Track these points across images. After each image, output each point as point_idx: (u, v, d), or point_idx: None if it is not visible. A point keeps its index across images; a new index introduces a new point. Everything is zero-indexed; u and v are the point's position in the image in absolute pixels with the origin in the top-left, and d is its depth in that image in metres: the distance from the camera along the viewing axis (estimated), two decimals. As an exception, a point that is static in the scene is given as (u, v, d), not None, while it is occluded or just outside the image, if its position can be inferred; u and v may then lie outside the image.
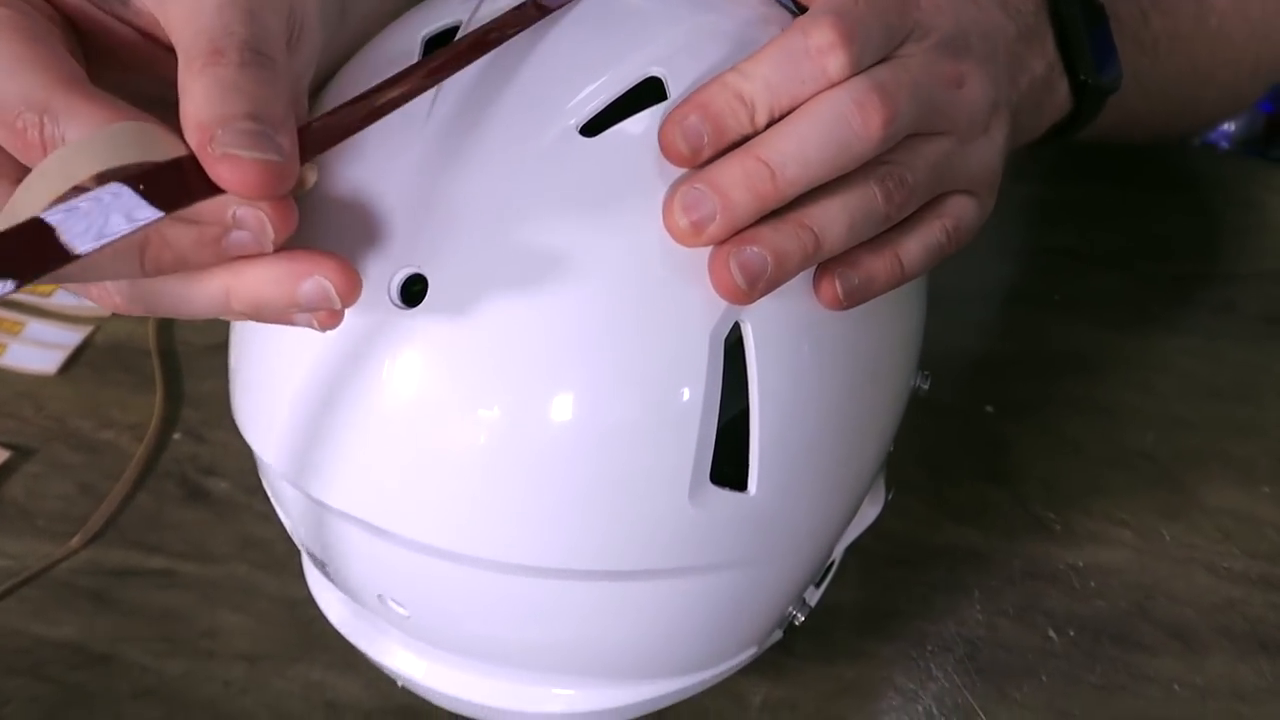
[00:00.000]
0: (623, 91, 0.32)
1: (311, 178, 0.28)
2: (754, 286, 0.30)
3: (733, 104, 0.31)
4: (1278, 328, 0.59)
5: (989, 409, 0.55)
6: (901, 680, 0.46)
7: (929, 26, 0.34)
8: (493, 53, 0.32)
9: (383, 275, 0.30)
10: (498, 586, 0.33)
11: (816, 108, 0.31)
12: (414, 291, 0.30)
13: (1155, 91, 0.52)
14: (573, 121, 0.31)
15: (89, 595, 0.49)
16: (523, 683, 0.39)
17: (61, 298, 0.62)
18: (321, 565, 0.37)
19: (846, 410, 0.35)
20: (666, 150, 0.31)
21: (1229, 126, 0.88)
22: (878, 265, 0.33)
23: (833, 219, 0.31)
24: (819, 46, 0.31)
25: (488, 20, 0.33)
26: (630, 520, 0.32)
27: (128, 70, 0.30)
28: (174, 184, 0.25)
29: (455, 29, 0.34)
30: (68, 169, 0.25)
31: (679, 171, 0.31)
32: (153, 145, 0.26)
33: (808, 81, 0.31)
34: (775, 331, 0.32)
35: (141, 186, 0.25)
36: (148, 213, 0.25)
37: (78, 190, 0.25)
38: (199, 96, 0.26)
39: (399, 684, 0.42)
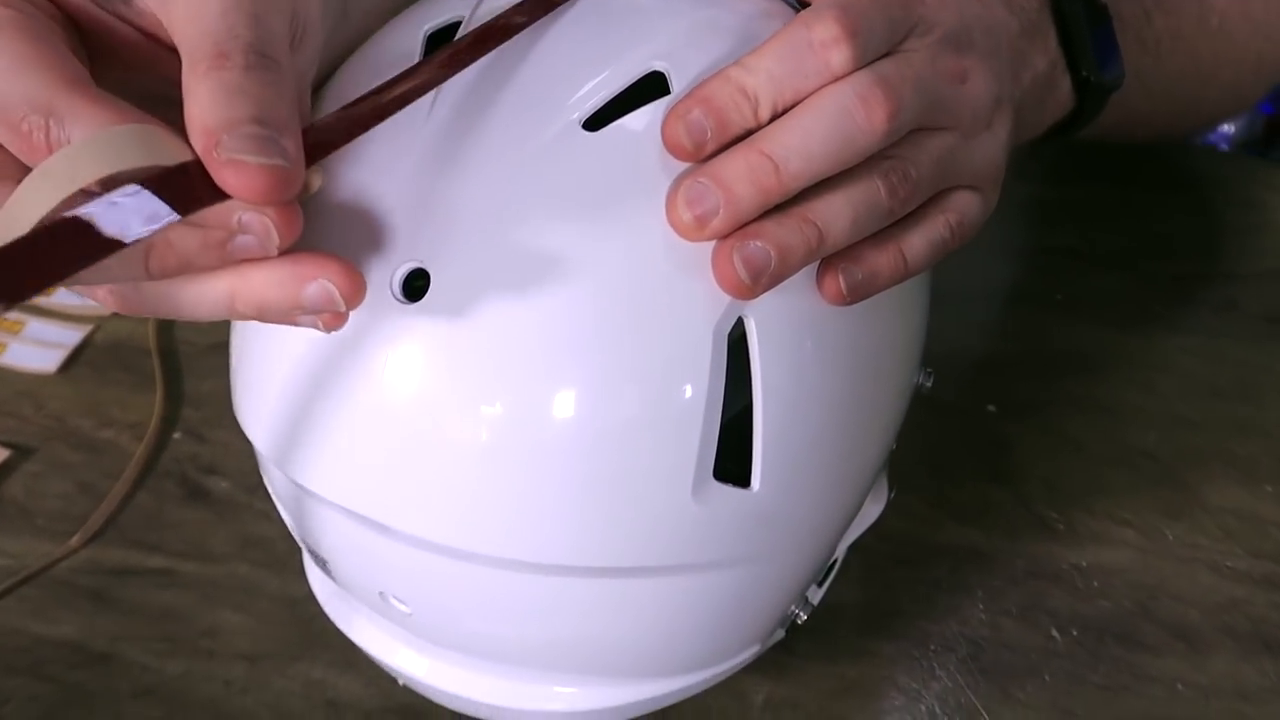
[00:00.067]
0: (625, 86, 0.32)
1: (317, 182, 0.28)
2: (757, 281, 0.30)
3: (736, 98, 0.31)
4: (1279, 327, 0.59)
5: (991, 408, 0.55)
6: (904, 680, 0.46)
7: (932, 21, 0.34)
8: (493, 50, 0.32)
9: (385, 270, 0.30)
10: (500, 583, 0.33)
11: (820, 101, 0.31)
12: (416, 286, 0.30)
13: (1157, 90, 0.52)
14: (575, 116, 0.31)
15: (89, 594, 0.49)
16: (524, 681, 0.38)
17: (62, 296, 0.62)
18: (323, 563, 0.37)
19: (850, 406, 0.35)
20: (669, 144, 0.31)
21: (1228, 128, 0.89)
22: (881, 260, 0.33)
23: (836, 213, 0.31)
24: (822, 40, 0.31)
25: (488, 17, 0.33)
26: (633, 517, 0.32)
27: (130, 70, 0.30)
28: (180, 188, 0.25)
29: (457, 24, 0.34)
30: (73, 169, 0.25)
31: (682, 166, 0.31)
32: (157, 148, 0.26)
33: (811, 75, 0.31)
34: (779, 327, 0.32)
35: (152, 189, 0.25)
36: (165, 215, 0.25)
37: (85, 193, 0.25)
38: (204, 100, 0.26)
39: (400, 683, 0.42)
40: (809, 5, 0.33)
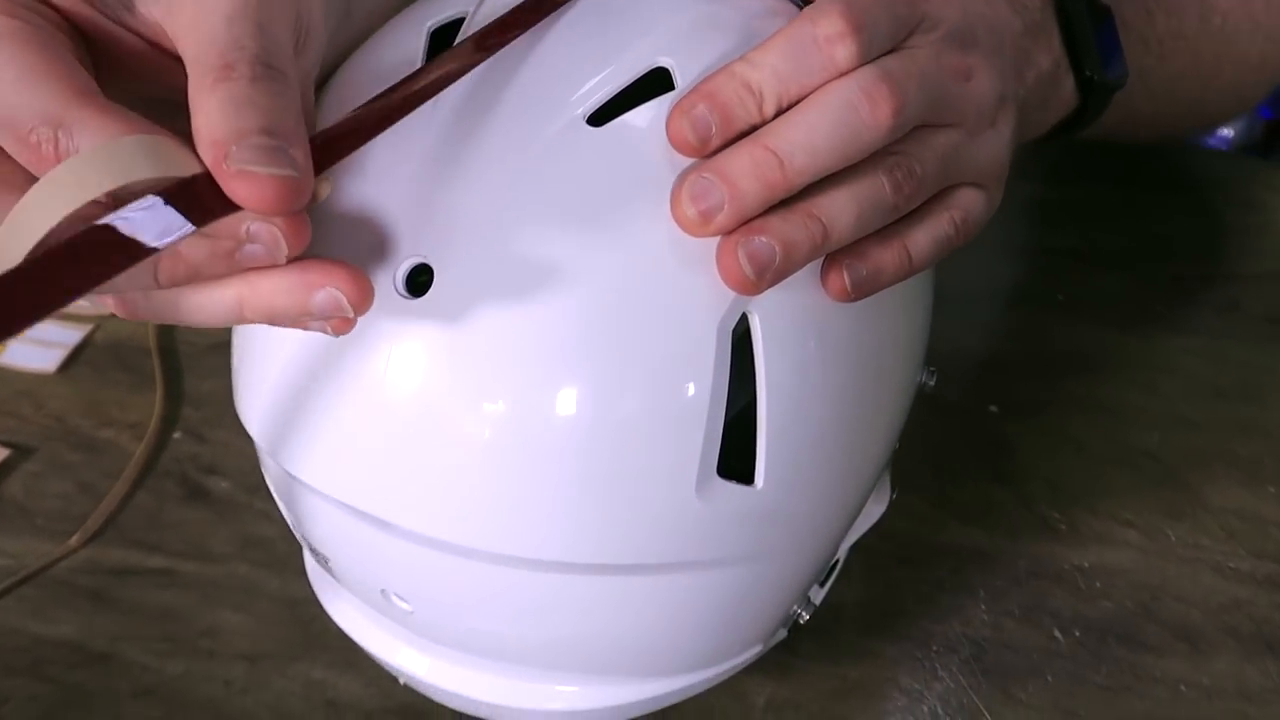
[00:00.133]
0: (630, 81, 0.32)
1: (325, 190, 0.28)
2: (762, 277, 0.30)
3: (741, 93, 0.30)
4: (1282, 328, 0.60)
5: (993, 409, 0.55)
6: (906, 680, 0.46)
7: (937, 19, 0.34)
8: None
9: (389, 265, 0.30)
10: (502, 580, 0.33)
11: (825, 97, 0.31)
12: (420, 282, 0.30)
13: (1160, 90, 0.52)
14: (579, 112, 0.31)
15: (88, 594, 0.49)
16: (525, 680, 0.38)
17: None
18: (324, 561, 0.37)
19: (854, 403, 0.35)
20: (674, 140, 0.31)
21: (1228, 132, 0.89)
22: (886, 256, 0.33)
23: (841, 209, 0.31)
24: (827, 35, 0.30)
25: (492, 12, 0.33)
26: (637, 513, 0.32)
27: (136, 78, 0.30)
28: (192, 200, 0.25)
29: (460, 21, 0.34)
30: (81, 179, 0.25)
31: (687, 161, 0.31)
32: (165, 159, 0.26)
33: (816, 71, 0.31)
34: (783, 323, 0.32)
35: (168, 200, 0.25)
36: (181, 226, 0.25)
37: (96, 204, 0.25)
38: (211, 113, 0.26)
39: (401, 682, 0.42)
40: (813, 1, 0.33)
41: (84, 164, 0.25)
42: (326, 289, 0.27)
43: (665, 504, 0.32)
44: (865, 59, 0.31)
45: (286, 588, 0.48)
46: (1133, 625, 0.47)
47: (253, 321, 0.29)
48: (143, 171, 0.25)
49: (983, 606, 0.48)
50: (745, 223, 0.30)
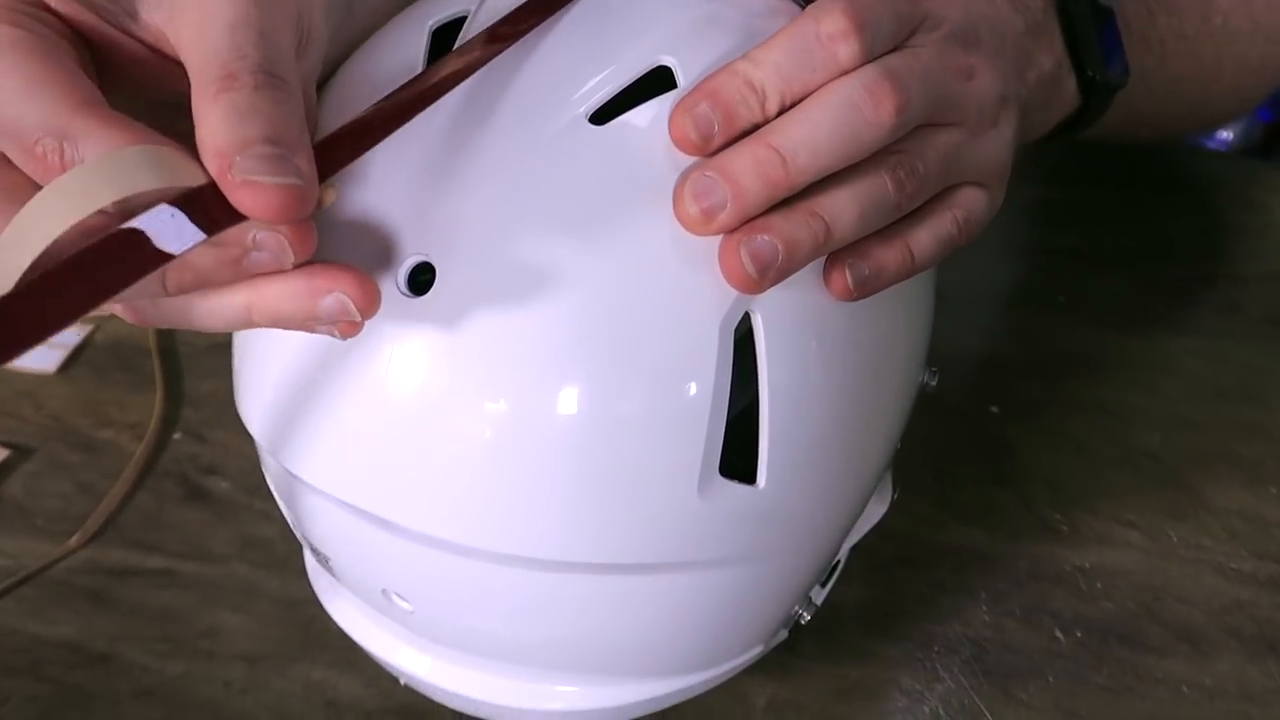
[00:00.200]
0: (632, 80, 0.32)
1: (330, 197, 0.28)
2: (764, 275, 0.30)
3: (743, 91, 0.30)
4: (1283, 329, 0.59)
5: (994, 409, 0.55)
6: (907, 681, 0.46)
7: (939, 18, 0.34)
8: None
9: (391, 264, 0.30)
10: (504, 580, 0.33)
11: (827, 95, 0.31)
12: (422, 281, 0.30)
13: (1161, 90, 0.52)
14: (581, 110, 0.31)
15: (88, 595, 0.49)
16: (526, 680, 0.38)
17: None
18: (325, 561, 0.37)
19: (856, 402, 0.35)
20: (677, 138, 0.31)
21: (1227, 135, 0.89)
22: (888, 256, 0.33)
23: (843, 208, 0.31)
24: (830, 33, 0.30)
25: (494, 10, 0.33)
26: (639, 512, 0.32)
27: (139, 83, 0.30)
28: (200, 209, 0.25)
29: (463, 19, 0.34)
30: (85, 189, 0.25)
31: (689, 160, 0.31)
32: (170, 169, 0.26)
33: (819, 69, 0.31)
34: (785, 322, 0.32)
35: (180, 209, 0.25)
36: (193, 234, 0.25)
37: (103, 214, 0.25)
38: (215, 123, 0.26)
39: (402, 682, 0.42)
40: (812, 2, 0.33)
41: (88, 174, 0.25)
42: (333, 294, 0.28)
43: (667, 503, 0.32)
44: (868, 57, 0.31)
45: (286, 588, 0.48)
46: (1134, 626, 0.47)
47: (260, 326, 0.29)
48: (147, 182, 0.25)
49: (984, 607, 0.48)
50: (748, 221, 0.30)
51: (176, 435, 0.56)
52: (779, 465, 0.33)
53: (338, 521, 0.34)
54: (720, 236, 0.30)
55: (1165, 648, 0.46)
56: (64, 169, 0.26)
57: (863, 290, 0.32)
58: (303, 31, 0.30)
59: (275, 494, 0.39)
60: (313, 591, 0.43)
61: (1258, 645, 0.46)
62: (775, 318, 0.32)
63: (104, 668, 0.46)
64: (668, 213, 0.30)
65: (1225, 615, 0.47)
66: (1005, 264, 0.64)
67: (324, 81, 0.34)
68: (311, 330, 0.29)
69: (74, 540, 0.51)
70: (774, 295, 0.31)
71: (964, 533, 0.50)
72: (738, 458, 0.32)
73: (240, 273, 0.27)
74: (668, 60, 0.32)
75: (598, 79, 0.31)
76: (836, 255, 0.32)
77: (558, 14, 0.33)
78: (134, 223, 0.24)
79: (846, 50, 0.30)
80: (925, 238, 0.34)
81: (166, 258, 0.24)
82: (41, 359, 0.59)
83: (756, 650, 0.41)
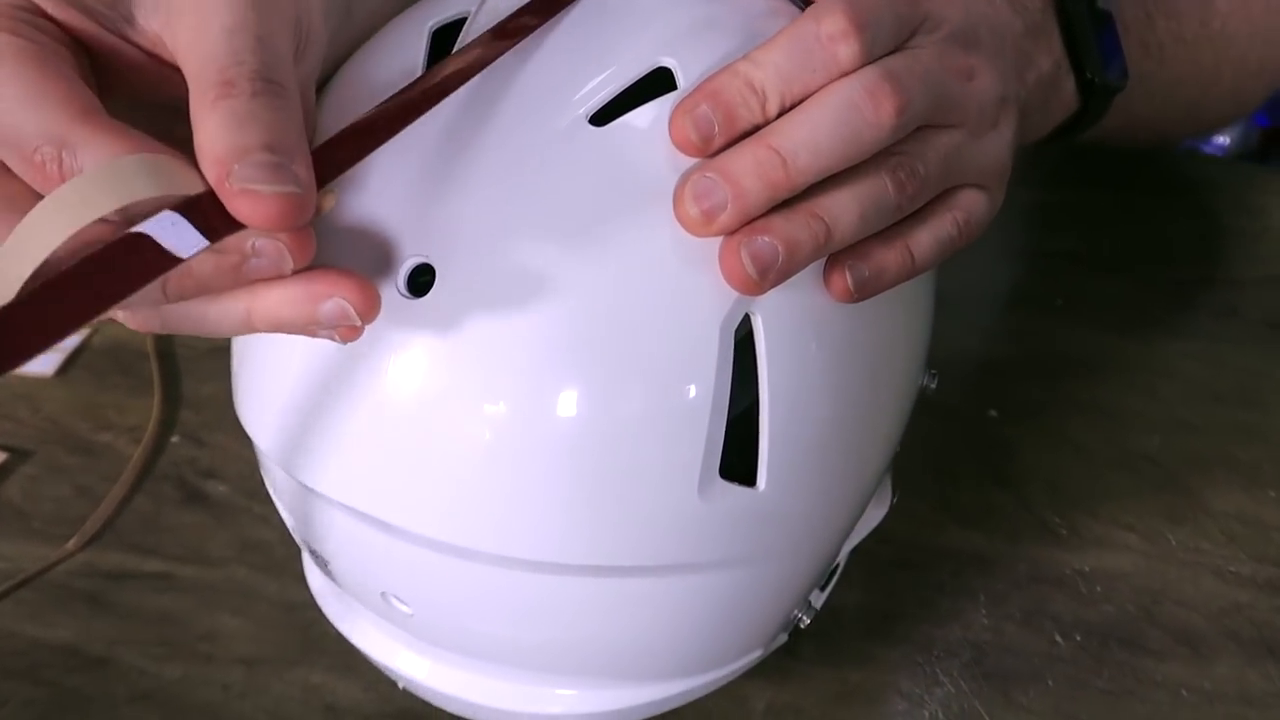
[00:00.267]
0: (632, 81, 0.32)
1: (329, 203, 0.28)
2: (765, 276, 0.30)
3: (744, 92, 0.30)
4: (1280, 333, 0.60)
5: (992, 413, 0.55)
6: (907, 685, 0.46)
7: (939, 19, 0.34)
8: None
9: (391, 266, 0.30)
10: (503, 582, 0.33)
11: (828, 96, 0.31)
12: (421, 282, 0.30)
13: (1159, 93, 0.52)
14: (582, 112, 0.31)
15: (85, 598, 0.49)
16: (525, 683, 0.38)
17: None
18: (324, 564, 0.37)
19: (856, 404, 0.35)
20: (677, 139, 0.31)
21: (1224, 140, 0.89)
22: (889, 257, 0.33)
23: (844, 209, 0.31)
24: (830, 34, 0.30)
25: (494, 12, 0.33)
26: (639, 515, 0.32)
27: (137, 88, 0.30)
28: (199, 217, 0.25)
29: (463, 20, 0.34)
30: (85, 198, 0.25)
31: (690, 161, 0.31)
32: (169, 177, 0.26)
33: (819, 70, 0.31)
34: (786, 323, 0.32)
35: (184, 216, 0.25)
36: (197, 241, 0.25)
37: (105, 222, 0.25)
38: (213, 130, 0.26)
39: (400, 686, 0.41)
40: (814, 1, 0.33)
41: (87, 183, 0.25)
42: (333, 299, 0.28)
43: (667, 505, 0.32)
44: (868, 58, 0.31)
45: (285, 592, 0.48)
46: (1134, 629, 0.47)
47: (260, 331, 0.29)
48: (146, 190, 0.25)
49: (983, 611, 0.48)
50: (748, 222, 0.30)
51: (175, 438, 0.55)
52: (779, 467, 0.33)
53: (337, 524, 0.34)
54: (721, 238, 0.30)
55: (1165, 651, 0.46)
56: (63, 178, 0.26)
57: (863, 292, 0.32)
58: (301, 34, 0.30)
59: (274, 497, 0.39)
60: (311, 595, 0.43)
61: (1257, 648, 0.46)
62: (776, 319, 0.32)
63: (102, 671, 0.46)
64: (668, 214, 0.30)
65: (1224, 618, 0.47)
66: (1004, 267, 0.64)
67: (323, 83, 0.34)
68: (312, 335, 0.29)
69: (72, 543, 0.51)
70: (774, 297, 0.31)
71: (963, 536, 0.50)
72: (737, 459, 0.32)
73: (240, 279, 0.27)
74: (668, 61, 0.32)
75: (598, 80, 0.31)
76: (837, 257, 0.32)
77: (557, 16, 0.33)
78: (140, 228, 0.24)
79: (847, 51, 0.31)
80: (926, 239, 0.34)
81: (173, 262, 0.24)
82: (39, 362, 0.59)
83: (756, 654, 0.41)
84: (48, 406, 0.57)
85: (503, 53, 0.32)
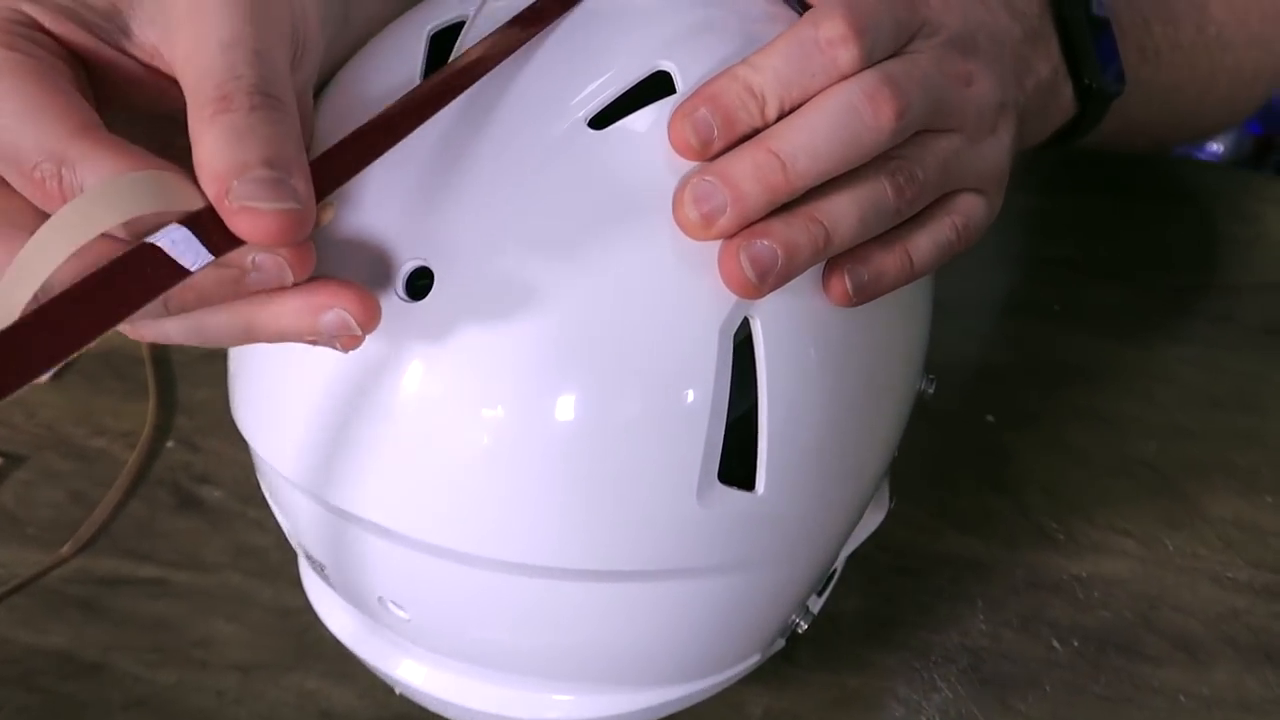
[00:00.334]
0: (631, 85, 0.32)
1: (327, 216, 0.28)
2: (764, 280, 0.30)
3: (743, 96, 0.30)
4: (1278, 338, 0.59)
5: (990, 418, 0.55)
6: (904, 691, 0.45)
7: (938, 24, 0.34)
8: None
9: (390, 269, 0.30)
10: (501, 587, 0.33)
11: (827, 100, 0.31)
12: (420, 285, 0.30)
13: (1156, 100, 0.53)
14: (581, 115, 0.31)
15: (79, 604, 0.49)
16: (522, 689, 0.38)
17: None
18: (320, 568, 0.37)
19: (854, 408, 0.35)
20: (676, 143, 0.31)
21: (1217, 147, 0.89)
22: (887, 261, 0.33)
23: (843, 212, 0.31)
24: (829, 38, 0.30)
25: (493, 16, 0.33)
26: (638, 519, 0.32)
27: (135, 100, 0.30)
28: (200, 232, 0.25)
29: (461, 24, 0.34)
30: (86, 217, 0.25)
31: (689, 165, 0.31)
32: (170, 194, 0.26)
33: (818, 74, 0.31)
34: (784, 327, 0.32)
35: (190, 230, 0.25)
36: (203, 255, 0.25)
37: (108, 238, 0.25)
38: (211, 146, 0.26)
39: (397, 692, 0.41)
40: (812, 6, 0.33)
41: (88, 202, 0.25)
42: (334, 310, 0.28)
43: (666, 509, 0.31)
44: (867, 63, 0.31)
45: (280, 597, 0.48)
46: (1131, 635, 0.47)
47: (261, 342, 0.29)
48: (147, 207, 0.25)
49: (981, 616, 0.48)
50: (747, 226, 0.30)
51: (169, 444, 0.55)
52: (778, 471, 0.33)
53: (334, 528, 0.34)
54: (720, 241, 0.30)
55: (1162, 657, 0.46)
56: (63, 194, 0.26)
57: (862, 295, 0.32)
58: (298, 42, 0.30)
59: (270, 501, 0.39)
60: (307, 600, 0.43)
61: (1254, 654, 0.46)
62: (774, 323, 0.31)
63: (96, 678, 0.46)
64: (667, 217, 0.30)
65: (1222, 624, 0.47)
66: (1001, 273, 0.64)
67: (321, 87, 0.34)
68: (312, 344, 0.29)
69: (66, 549, 0.50)
70: (773, 300, 0.31)
71: (961, 541, 0.50)
72: (736, 464, 0.32)
73: (240, 292, 0.27)
74: (667, 65, 0.32)
75: (596, 84, 0.31)
76: (836, 260, 0.32)
77: (556, 20, 0.33)
78: (150, 240, 0.25)
79: (846, 55, 0.31)
80: (924, 243, 0.34)
81: (183, 274, 0.25)
82: (34, 367, 0.59)
83: (753, 659, 0.41)
84: (42, 412, 0.57)
85: (502, 59, 0.32)
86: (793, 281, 0.31)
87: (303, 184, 0.26)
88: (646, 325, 0.30)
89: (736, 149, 0.30)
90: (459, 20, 0.34)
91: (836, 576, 0.44)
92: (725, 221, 0.30)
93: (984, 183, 0.36)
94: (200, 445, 0.55)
